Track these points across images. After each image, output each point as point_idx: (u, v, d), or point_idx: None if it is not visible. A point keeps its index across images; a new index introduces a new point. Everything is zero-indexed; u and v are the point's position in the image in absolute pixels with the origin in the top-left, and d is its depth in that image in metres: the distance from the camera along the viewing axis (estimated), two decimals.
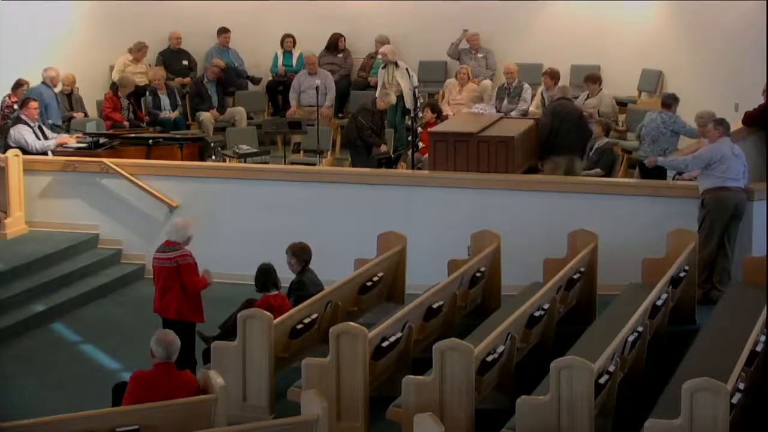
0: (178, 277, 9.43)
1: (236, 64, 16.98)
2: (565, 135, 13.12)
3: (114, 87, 15.64)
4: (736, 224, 11.08)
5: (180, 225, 9.69)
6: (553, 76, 14.88)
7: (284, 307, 9.40)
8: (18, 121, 13.41)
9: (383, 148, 14.00)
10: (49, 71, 14.67)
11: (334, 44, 17.08)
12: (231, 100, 16.70)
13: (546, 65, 16.00)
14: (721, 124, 11.31)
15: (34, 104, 13.52)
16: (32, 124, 13.39)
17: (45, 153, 13.28)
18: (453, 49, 16.64)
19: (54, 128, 13.97)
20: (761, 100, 12.29)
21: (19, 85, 14.42)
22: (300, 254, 9.94)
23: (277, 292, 9.59)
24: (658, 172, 12.49)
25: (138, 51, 16.38)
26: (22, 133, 13.24)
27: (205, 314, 9.66)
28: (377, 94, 15.64)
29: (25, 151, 13.10)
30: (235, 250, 12.04)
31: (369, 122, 14.01)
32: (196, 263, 9.53)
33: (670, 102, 12.68)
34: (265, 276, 9.61)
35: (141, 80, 16.07)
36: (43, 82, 14.57)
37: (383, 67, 15.70)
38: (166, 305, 9.49)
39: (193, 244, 9.64)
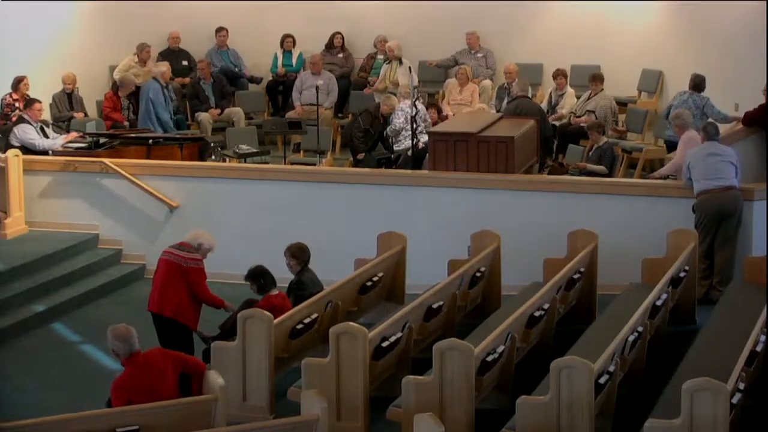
0: (181, 277, 9.39)
1: (234, 65, 16.99)
2: None
3: (115, 87, 15.65)
4: (728, 223, 11.04)
5: (197, 233, 9.66)
6: (567, 76, 15.03)
7: (286, 306, 9.38)
8: (21, 120, 13.43)
9: (360, 156, 14.17)
10: (159, 66, 14.93)
11: (331, 43, 17.08)
12: (230, 100, 16.67)
13: (546, 65, 16.06)
14: (704, 129, 11.39)
15: (38, 105, 13.63)
16: (35, 124, 13.42)
17: (47, 153, 13.31)
18: (445, 62, 16.59)
19: (160, 124, 14.25)
20: (761, 100, 12.29)
21: (18, 81, 14.41)
22: (299, 255, 9.94)
23: (277, 292, 9.58)
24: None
25: (142, 51, 16.38)
26: (26, 132, 13.28)
27: (206, 314, 9.66)
28: (375, 88, 15.77)
29: (31, 150, 13.12)
30: (235, 250, 12.01)
31: (367, 124, 14.10)
32: (205, 272, 9.49)
33: (701, 84, 13.06)
34: (261, 278, 9.55)
35: (138, 81, 16.10)
36: (154, 78, 14.69)
37: (387, 62, 15.72)
38: (163, 302, 9.41)
39: None
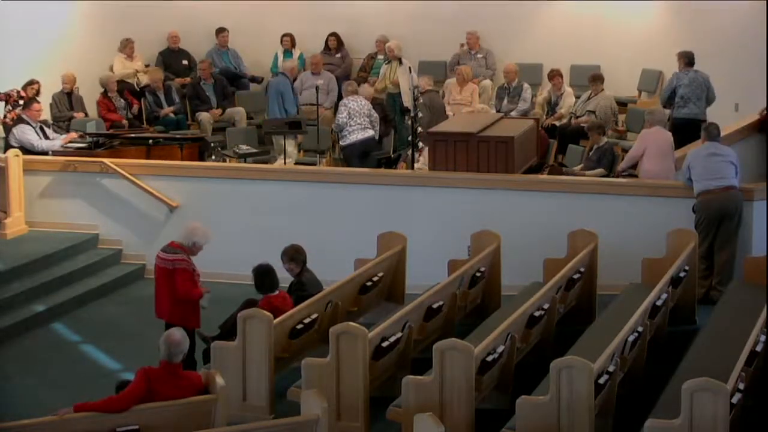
0: (171, 280, 9.37)
1: (234, 65, 16.98)
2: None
3: (104, 90, 15.61)
4: (728, 224, 11.04)
5: (189, 229, 9.53)
6: (563, 76, 15.11)
7: (287, 307, 9.37)
8: (20, 121, 13.43)
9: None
10: (287, 63, 15.58)
11: (326, 45, 17.08)
12: (232, 100, 16.66)
13: (546, 65, 16.05)
14: (705, 129, 11.40)
15: (37, 106, 13.62)
16: (34, 125, 13.42)
17: (46, 153, 13.30)
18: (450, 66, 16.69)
19: (285, 114, 14.49)
20: (762, 100, 12.28)
21: (28, 83, 14.40)
22: (296, 256, 9.93)
23: (278, 292, 9.57)
24: (694, 131, 12.40)
25: (125, 47, 16.40)
26: (25, 133, 13.29)
27: (206, 314, 9.63)
28: (375, 88, 15.78)
29: (30, 151, 13.11)
30: (235, 250, 12.02)
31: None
32: (191, 271, 9.39)
33: (692, 59, 13.16)
34: (264, 277, 9.54)
35: (137, 79, 16.08)
36: (282, 73, 15.12)
37: (387, 62, 15.74)
38: (162, 308, 9.45)
39: None
